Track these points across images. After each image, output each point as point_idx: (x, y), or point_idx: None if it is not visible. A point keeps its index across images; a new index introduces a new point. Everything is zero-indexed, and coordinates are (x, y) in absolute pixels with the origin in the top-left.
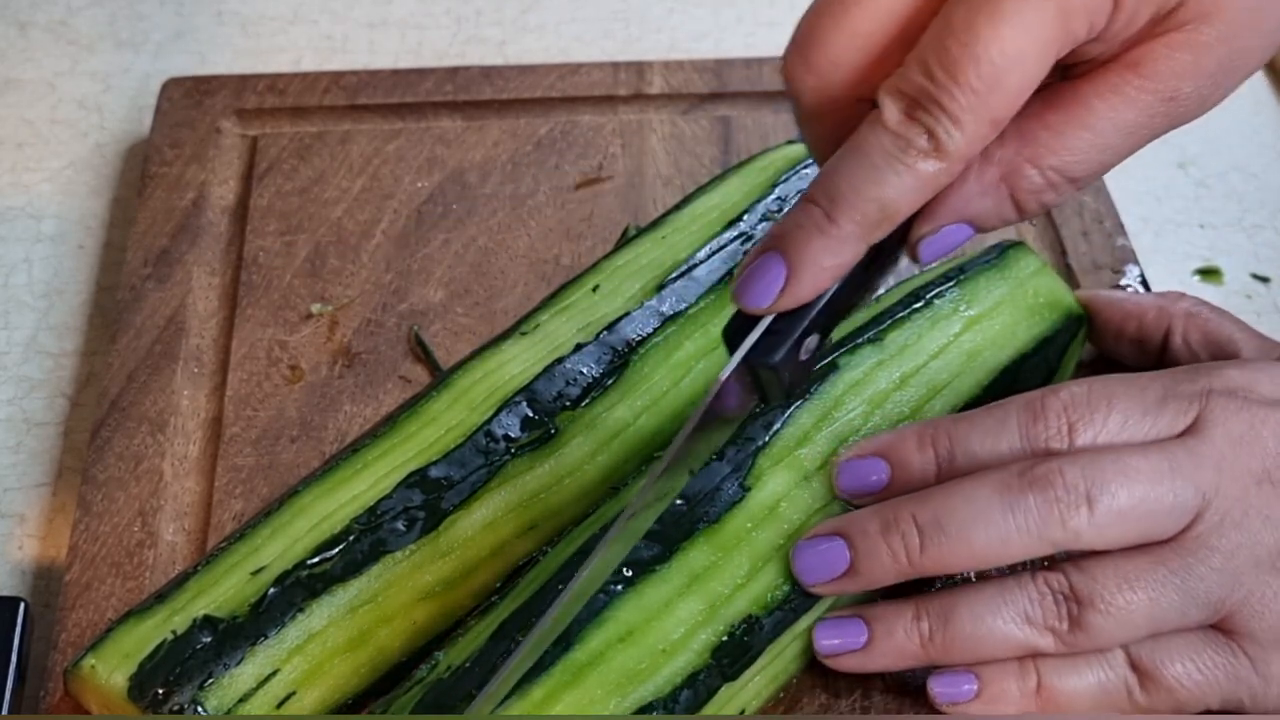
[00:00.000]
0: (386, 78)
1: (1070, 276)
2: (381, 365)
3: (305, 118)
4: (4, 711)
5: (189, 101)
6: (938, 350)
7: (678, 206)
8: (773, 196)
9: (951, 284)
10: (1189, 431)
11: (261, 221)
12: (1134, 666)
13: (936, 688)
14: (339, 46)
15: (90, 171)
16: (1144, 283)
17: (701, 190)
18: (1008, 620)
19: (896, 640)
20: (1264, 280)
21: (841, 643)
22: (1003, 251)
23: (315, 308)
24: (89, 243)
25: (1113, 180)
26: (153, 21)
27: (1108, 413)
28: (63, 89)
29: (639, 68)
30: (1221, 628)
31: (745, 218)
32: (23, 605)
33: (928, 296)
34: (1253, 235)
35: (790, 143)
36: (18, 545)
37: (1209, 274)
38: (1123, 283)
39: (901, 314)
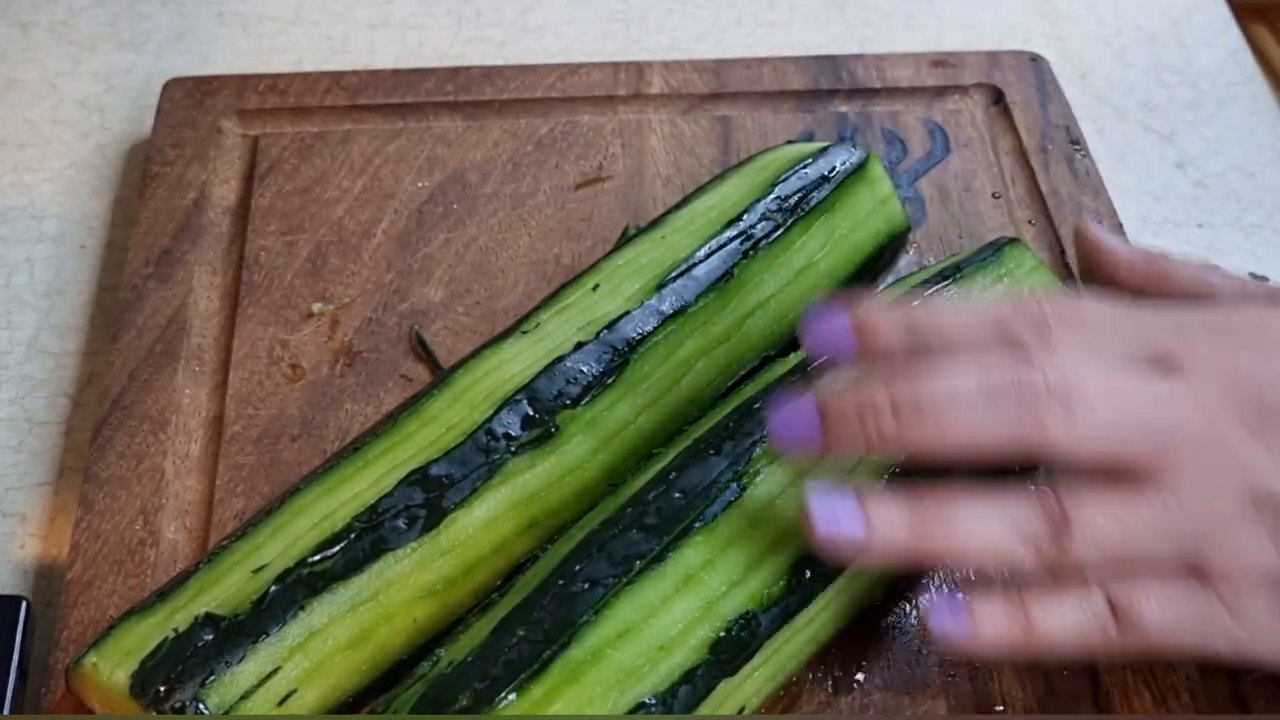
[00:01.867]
0: (387, 78)
1: (1069, 276)
2: (382, 364)
3: (306, 118)
4: (5, 710)
5: (190, 102)
6: None
7: (677, 206)
8: (772, 196)
9: (948, 282)
10: (1172, 367)
11: (263, 221)
12: (1111, 606)
13: (933, 619)
14: (340, 47)
15: (92, 171)
16: None
17: (701, 190)
18: (999, 524)
19: (890, 519)
20: (1263, 280)
21: (838, 527)
22: (999, 249)
23: (316, 307)
24: (91, 243)
25: (1111, 179)
26: (154, 22)
27: (1092, 328)
28: (64, 89)
29: (639, 68)
30: (1196, 572)
31: (745, 217)
32: (24, 604)
33: (925, 295)
34: (1251, 235)
35: (790, 142)
36: (19, 544)
37: None
38: None
39: None
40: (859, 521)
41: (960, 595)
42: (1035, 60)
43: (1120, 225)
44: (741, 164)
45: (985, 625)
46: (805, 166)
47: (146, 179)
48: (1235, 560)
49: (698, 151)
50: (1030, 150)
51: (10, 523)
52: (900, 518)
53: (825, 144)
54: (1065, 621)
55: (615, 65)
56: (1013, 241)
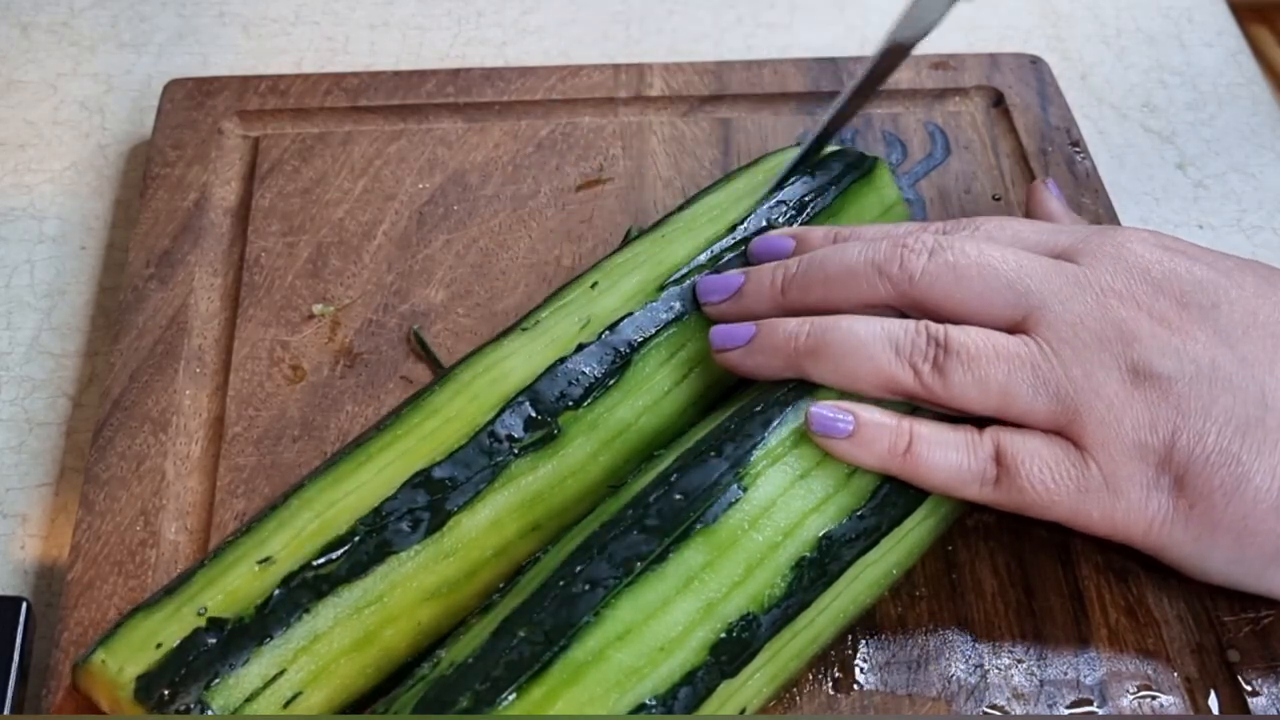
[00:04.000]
0: (388, 79)
1: None
2: (383, 365)
3: (307, 119)
4: (6, 711)
5: (191, 103)
6: None
7: (680, 208)
8: (776, 200)
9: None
10: (1068, 258)
11: (263, 222)
12: (997, 458)
13: (814, 416)
14: (340, 48)
15: (92, 172)
16: None
17: (706, 191)
18: (878, 339)
19: (776, 341)
20: None
21: (729, 339)
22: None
23: (317, 308)
24: (91, 243)
25: (1111, 181)
26: (155, 23)
27: (997, 230)
28: (65, 90)
29: (639, 70)
30: (1073, 439)
31: (747, 221)
32: (25, 605)
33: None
34: (1251, 236)
35: (799, 144)
36: (20, 545)
37: None
38: None
39: None
40: (746, 334)
41: (841, 408)
42: (1035, 62)
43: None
44: (747, 166)
45: (867, 430)
46: (811, 170)
47: (147, 180)
48: (1110, 429)
49: (698, 153)
50: (1030, 152)
51: (11, 523)
52: (791, 334)
53: (833, 148)
54: (947, 455)
55: (616, 67)
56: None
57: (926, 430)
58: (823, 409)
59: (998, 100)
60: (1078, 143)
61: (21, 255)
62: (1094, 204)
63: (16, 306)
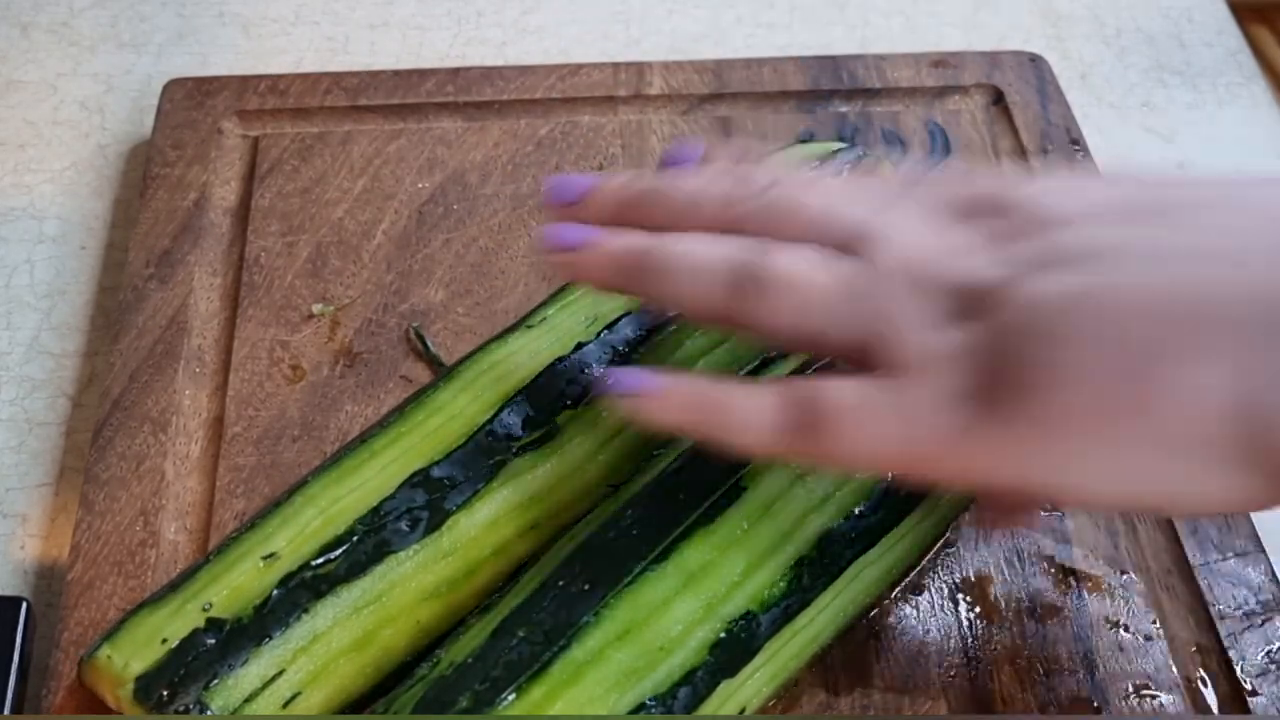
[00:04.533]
0: (387, 79)
1: None
2: (383, 365)
3: (307, 118)
4: (6, 711)
5: (191, 102)
6: None
7: None
8: None
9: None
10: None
11: (263, 222)
12: (807, 405)
13: (617, 375)
14: (340, 48)
15: (92, 172)
16: None
17: None
18: (703, 260)
19: (611, 243)
20: None
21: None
22: None
23: (316, 308)
24: (91, 243)
25: None
26: (154, 23)
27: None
28: (64, 90)
29: (639, 68)
30: (887, 361)
31: None
32: (25, 605)
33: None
34: None
35: (803, 141)
36: (20, 545)
37: None
38: None
39: None
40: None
41: (643, 371)
42: (1035, 60)
43: None
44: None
45: (668, 395)
46: (810, 169)
47: (147, 180)
48: (927, 344)
49: None
50: (1030, 151)
51: (11, 524)
52: (629, 240)
53: (838, 146)
54: (751, 403)
55: (615, 66)
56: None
57: (732, 384)
58: (627, 372)
59: (998, 99)
60: (1077, 141)
61: (21, 255)
62: None
63: (16, 306)
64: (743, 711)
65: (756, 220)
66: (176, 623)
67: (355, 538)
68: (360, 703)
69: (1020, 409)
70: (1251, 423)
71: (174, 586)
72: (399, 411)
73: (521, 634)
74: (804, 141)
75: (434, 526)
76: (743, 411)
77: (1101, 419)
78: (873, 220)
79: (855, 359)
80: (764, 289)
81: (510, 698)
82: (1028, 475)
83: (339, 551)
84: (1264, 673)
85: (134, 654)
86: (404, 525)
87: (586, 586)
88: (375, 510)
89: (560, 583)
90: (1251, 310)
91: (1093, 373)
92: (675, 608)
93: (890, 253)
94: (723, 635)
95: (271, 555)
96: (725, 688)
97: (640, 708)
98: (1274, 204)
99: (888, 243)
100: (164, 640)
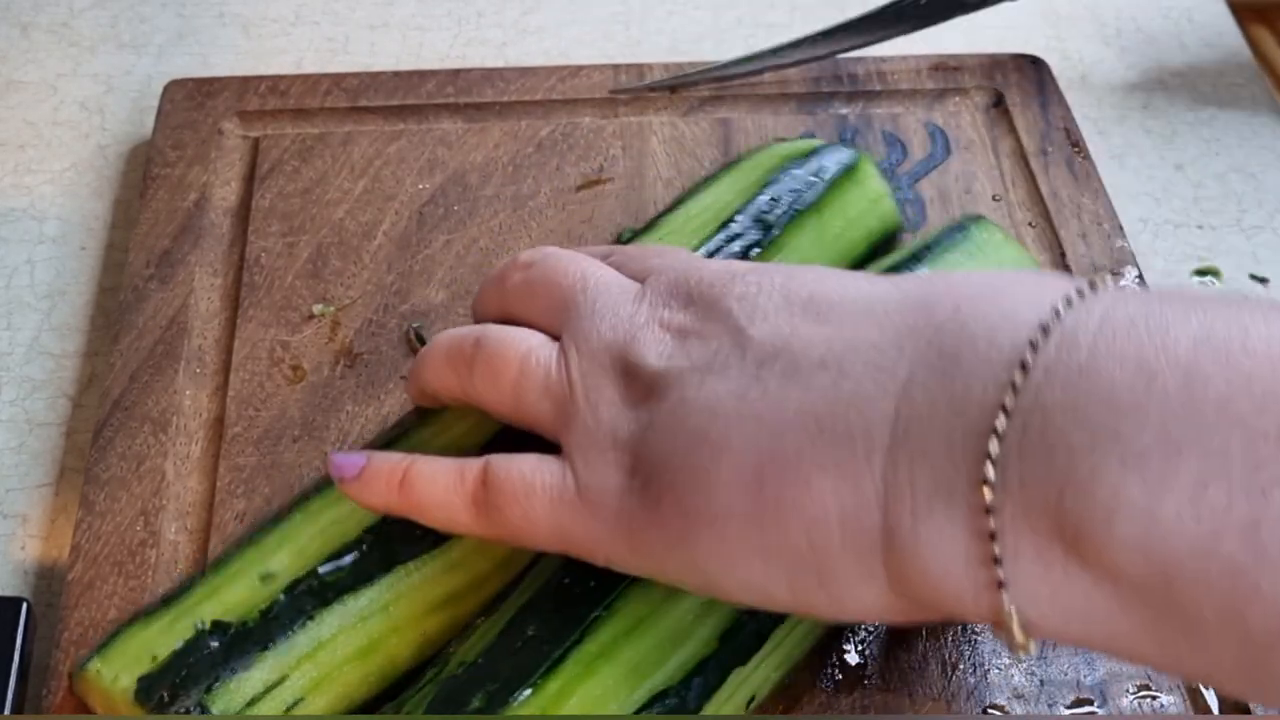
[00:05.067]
0: (388, 79)
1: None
2: (383, 366)
3: (307, 119)
4: (6, 711)
5: (191, 103)
6: None
7: (671, 208)
8: (765, 197)
9: (921, 264)
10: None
11: (263, 222)
12: (482, 484)
13: (331, 460)
14: (340, 48)
15: (92, 173)
16: (1143, 284)
17: (695, 189)
18: (439, 348)
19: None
20: (1263, 281)
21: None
22: (965, 227)
23: (317, 308)
24: (91, 244)
25: (1111, 181)
26: (155, 23)
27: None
28: (65, 91)
29: (639, 70)
30: (563, 445)
31: (737, 219)
32: (25, 605)
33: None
34: (1251, 236)
35: (781, 140)
36: (20, 545)
37: (1208, 275)
38: (1121, 284)
39: None
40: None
41: (359, 454)
42: (1035, 62)
43: (1120, 227)
44: (733, 163)
45: (370, 469)
46: (796, 167)
47: (147, 180)
48: (588, 432)
49: (698, 153)
50: (1030, 152)
51: (11, 524)
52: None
53: (817, 143)
54: (436, 483)
55: (616, 67)
56: (977, 217)
57: (424, 464)
58: (339, 454)
59: (998, 100)
60: (1078, 143)
61: (21, 256)
62: (1094, 204)
63: (16, 307)
64: (752, 700)
65: (509, 300)
66: (168, 639)
67: (364, 546)
68: (363, 710)
69: (666, 504)
70: (863, 536)
71: (167, 601)
72: (402, 429)
73: (531, 631)
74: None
75: (443, 538)
76: (430, 489)
77: (734, 522)
78: (577, 299)
79: (550, 436)
80: (475, 369)
81: (525, 694)
82: (668, 568)
83: (347, 560)
84: None
85: (123, 668)
86: (415, 533)
87: (593, 583)
88: (384, 519)
89: (566, 580)
90: (885, 420)
91: (729, 478)
92: (685, 598)
93: (584, 330)
94: (732, 624)
95: (269, 575)
96: (737, 675)
97: (655, 698)
98: (896, 310)
99: (589, 321)
100: (154, 657)
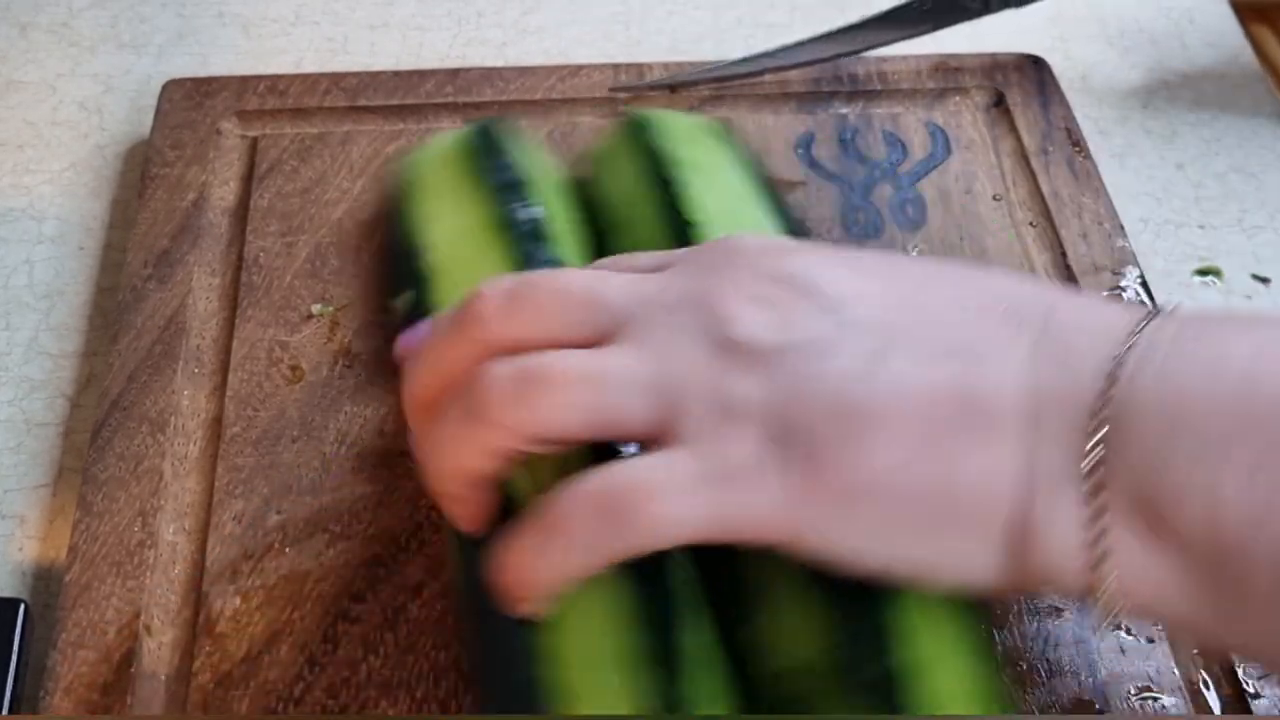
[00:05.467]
0: (387, 79)
1: (1070, 277)
2: (383, 366)
3: (306, 119)
4: (4, 711)
5: (190, 103)
6: None
7: None
8: None
9: None
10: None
11: (262, 222)
12: (600, 510)
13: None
14: (340, 48)
15: (91, 173)
16: (1144, 284)
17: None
18: (454, 419)
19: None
20: (1264, 281)
21: None
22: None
23: (316, 308)
24: (90, 244)
25: (1112, 181)
26: (154, 23)
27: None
28: (64, 91)
29: (639, 69)
30: (678, 436)
31: None
32: (22, 606)
33: None
34: (1252, 236)
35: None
36: (18, 546)
37: (1209, 275)
38: (1121, 284)
39: None
40: None
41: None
42: (1036, 62)
43: (1121, 227)
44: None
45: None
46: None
47: (145, 180)
48: (709, 413)
49: None
50: (1031, 152)
51: (9, 525)
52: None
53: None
54: (550, 562)
55: (615, 66)
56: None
57: (519, 559)
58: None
59: (999, 100)
60: (1079, 143)
61: (20, 256)
62: (1094, 204)
63: (15, 307)
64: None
65: (496, 332)
66: None
67: None
68: None
69: (827, 472)
70: (1000, 511)
71: None
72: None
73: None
74: (804, 141)
75: None
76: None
77: (890, 492)
78: (618, 301)
79: (652, 437)
80: (533, 404)
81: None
82: (832, 536)
83: None
84: (1266, 675)
85: None
86: None
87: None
88: None
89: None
90: (1018, 408)
91: (886, 450)
92: None
93: (647, 324)
94: None
95: None
96: None
97: None
98: (1004, 297)
99: (640, 315)
100: None
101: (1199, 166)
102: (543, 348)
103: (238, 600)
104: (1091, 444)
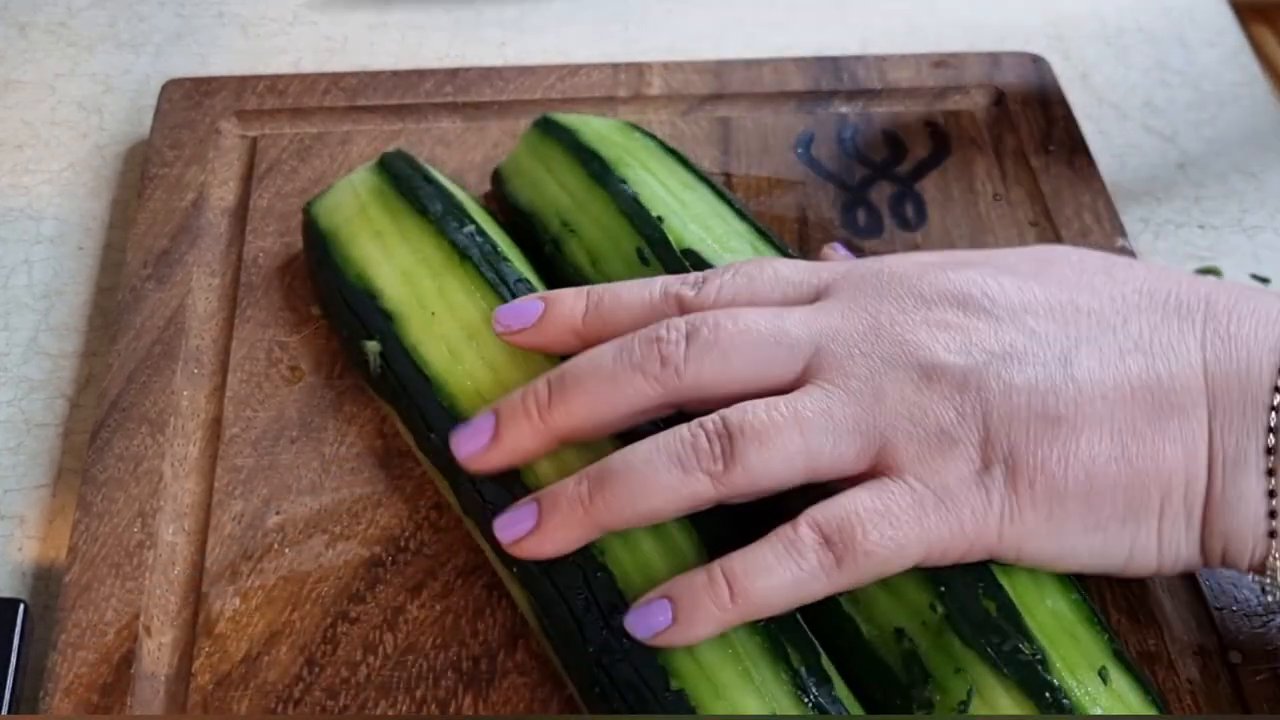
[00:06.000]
0: (386, 79)
1: None
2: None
3: (305, 119)
4: (4, 712)
5: (189, 103)
6: None
7: None
8: None
9: None
10: (822, 295)
11: (261, 222)
12: (825, 541)
13: (632, 621)
14: (339, 48)
15: (90, 173)
16: None
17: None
18: (661, 466)
19: (562, 512)
20: (1264, 281)
21: (516, 529)
22: None
23: (315, 309)
24: (89, 244)
25: (1112, 181)
26: (153, 23)
27: (755, 278)
28: (62, 90)
29: (639, 68)
30: (890, 469)
31: None
32: (22, 606)
33: None
34: (1253, 236)
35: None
36: (17, 547)
37: (1209, 274)
38: None
39: None
40: (530, 517)
41: (657, 596)
42: (1036, 61)
43: (1122, 227)
44: None
45: (686, 604)
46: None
47: (145, 180)
48: (921, 442)
49: (698, 152)
50: (1031, 151)
51: (8, 525)
52: (571, 507)
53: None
54: (779, 580)
55: (615, 66)
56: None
57: (739, 564)
58: (637, 612)
59: (999, 99)
60: (1079, 142)
61: (19, 256)
62: (1095, 203)
63: (14, 307)
64: None
65: (688, 381)
66: None
67: None
68: None
69: (1039, 485)
70: (1197, 497)
71: None
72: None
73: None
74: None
75: None
76: (769, 581)
77: (1100, 492)
78: (808, 339)
79: (860, 474)
80: (742, 460)
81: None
82: (1035, 545)
83: None
84: (1267, 676)
85: None
86: None
87: None
88: None
89: None
90: (1200, 393)
91: (1091, 453)
92: None
93: (841, 360)
94: None
95: None
96: None
97: None
98: (1156, 288)
99: (833, 351)
100: None
101: (1199, 166)
102: (734, 393)
103: (237, 601)
104: (1265, 428)
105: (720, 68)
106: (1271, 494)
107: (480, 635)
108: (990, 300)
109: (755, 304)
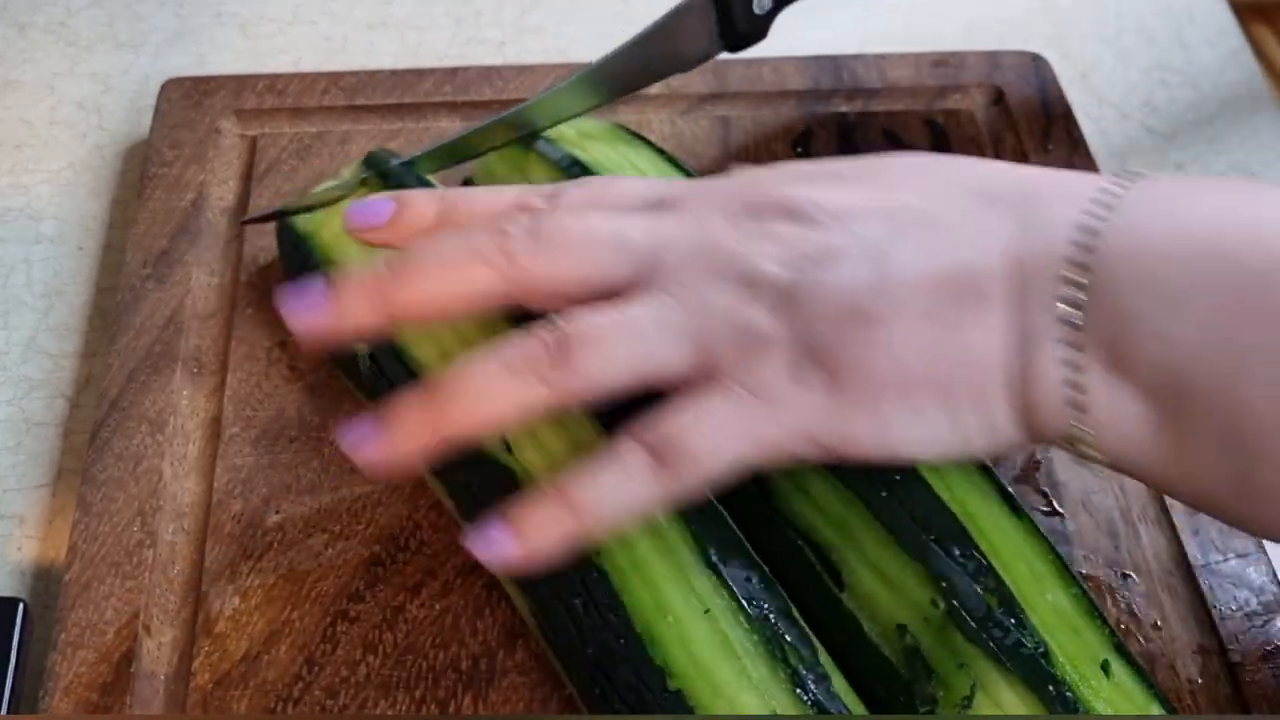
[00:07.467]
0: (386, 78)
1: None
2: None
3: (305, 118)
4: (3, 711)
5: (188, 102)
6: None
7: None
8: None
9: None
10: (667, 207)
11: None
12: (651, 452)
13: (478, 546)
14: (338, 47)
15: (89, 172)
16: None
17: None
18: (494, 371)
19: (403, 421)
20: None
21: (358, 436)
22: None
23: None
24: (88, 243)
25: None
26: (152, 23)
27: (604, 191)
28: (62, 90)
29: None
30: (719, 375)
31: None
32: (22, 606)
33: None
34: None
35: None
36: (17, 546)
37: None
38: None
39: None
40: (374, 426)
41: (496, 520)
42: (1036, 60)
43: None
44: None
45: (533, 531)
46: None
47: (144, 180)
48: (742, 349)
49: (698, 152)
50: (1031, 150)
51: (8, 525)
52: (418, 419)
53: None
54: (609, 488)
55: None
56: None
57: (573, 481)
58: (481, 534)
59: (998, 98)
60: (1078, 141)
61: (18, 255)
62: None
63: (14, 307)
64: None
65: (523, 271)
66: None
67: None
68: None
69: (849, 380)
70: (1007, 375)
71: None
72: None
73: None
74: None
75: None
76: (605, 496)
77: (913, 381)
78: (644, 245)
79: (696, 381)
80: (577, 366)
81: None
82: (858, 437)
83: None
84: (1267, 676)
85: None
86: None
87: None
88: None
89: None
90: (1004, 277)
91: (901, 344)
92: None
93: (673, 269)
94: None
95: None
96: None
97: None
98: (966, 179)
99: (666, 260)
100: None
101: (1199, 166)
102: (570, 293)
103: (237, 600)
104: (1069, 299)
105: (719, 67)
106: (1068, 364)
107: (480, 635)
108: (816, 207)
109: (598, 210)
